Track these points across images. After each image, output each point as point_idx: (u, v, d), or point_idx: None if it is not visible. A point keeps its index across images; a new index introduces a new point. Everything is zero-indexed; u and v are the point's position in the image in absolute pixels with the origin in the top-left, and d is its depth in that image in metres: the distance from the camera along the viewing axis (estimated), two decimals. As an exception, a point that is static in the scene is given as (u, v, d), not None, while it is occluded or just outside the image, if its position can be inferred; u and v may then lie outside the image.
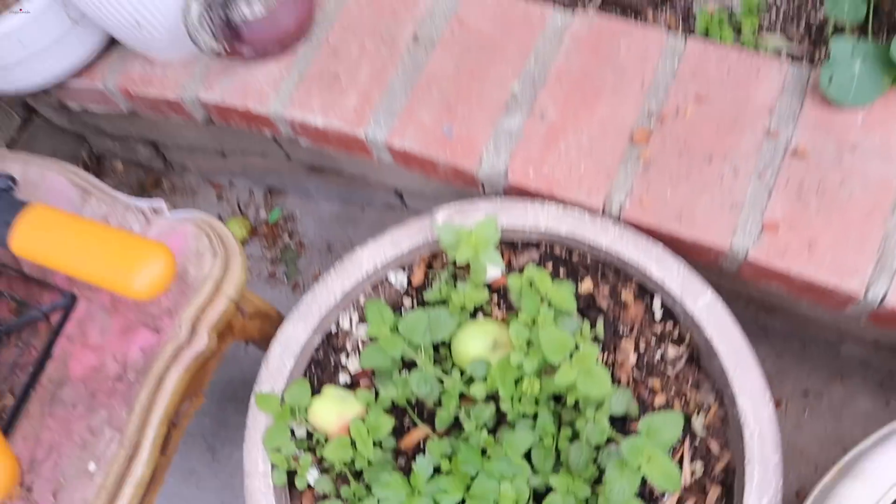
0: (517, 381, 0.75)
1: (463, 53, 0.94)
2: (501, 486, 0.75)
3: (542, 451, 0.80)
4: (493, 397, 0.78)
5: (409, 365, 0.83)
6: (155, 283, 0.71)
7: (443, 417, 0.84)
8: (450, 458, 0.80)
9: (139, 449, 0.85)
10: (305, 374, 0.87)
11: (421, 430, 0.82)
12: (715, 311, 0.77)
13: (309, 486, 0.86)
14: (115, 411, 0.86)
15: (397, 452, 0.86)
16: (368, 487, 0.82)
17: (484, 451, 0.79)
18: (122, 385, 0.86)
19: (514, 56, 0.93)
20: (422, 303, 0.88)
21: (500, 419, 0.85)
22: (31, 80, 1.07)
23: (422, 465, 0.77)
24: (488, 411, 0.81)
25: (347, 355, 0.88)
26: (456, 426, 0.80)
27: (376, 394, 0.82)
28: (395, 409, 0.83)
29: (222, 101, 1.00)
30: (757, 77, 0.87)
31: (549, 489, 0.73)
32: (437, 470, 0.80)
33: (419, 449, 0.81)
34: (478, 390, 0.77)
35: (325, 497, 0.86)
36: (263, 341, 0.94)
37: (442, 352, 0.82)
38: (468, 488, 0.76)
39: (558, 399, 0.78)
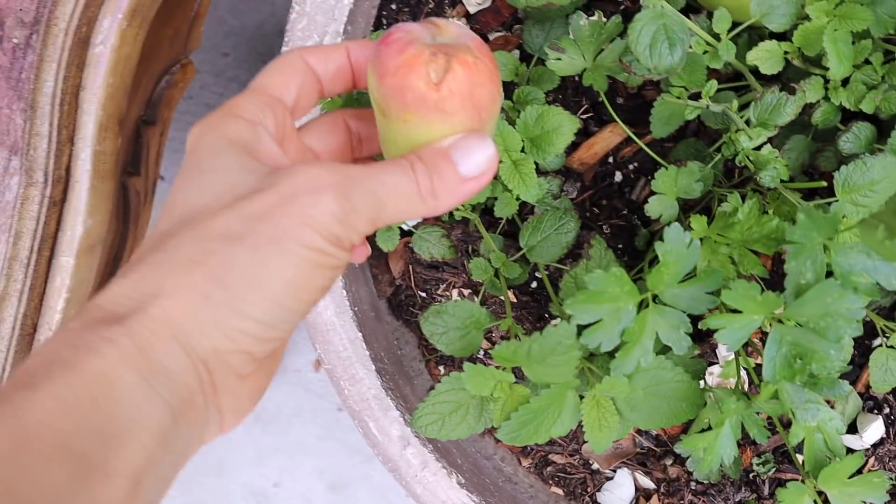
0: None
1: None
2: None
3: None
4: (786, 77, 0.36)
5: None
6: None
7: (668, 109, 0.37)
8: (708, 220, 0.36)
9: (70, 183, 0.44)
10: (378, 21, 0.44)
11: (612, 132, 0.39)
12: None
13: (405, 245, 0.45)
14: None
15: (566, 180, 0.42)
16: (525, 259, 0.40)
17: (811, 194, 0.34)
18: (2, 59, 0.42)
19: None
20: None
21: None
22: None
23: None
24: (814, 84, 0.33)
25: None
26: (698, 134, 0.41)
27: (522, 53, 0.40)
28: (563, 88, 0.42)
29: None
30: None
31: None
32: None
33: (619, 178, 0.41)
34: (763, 55, 0.30)
35: (432, 266, 0.45)
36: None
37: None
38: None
39: None
